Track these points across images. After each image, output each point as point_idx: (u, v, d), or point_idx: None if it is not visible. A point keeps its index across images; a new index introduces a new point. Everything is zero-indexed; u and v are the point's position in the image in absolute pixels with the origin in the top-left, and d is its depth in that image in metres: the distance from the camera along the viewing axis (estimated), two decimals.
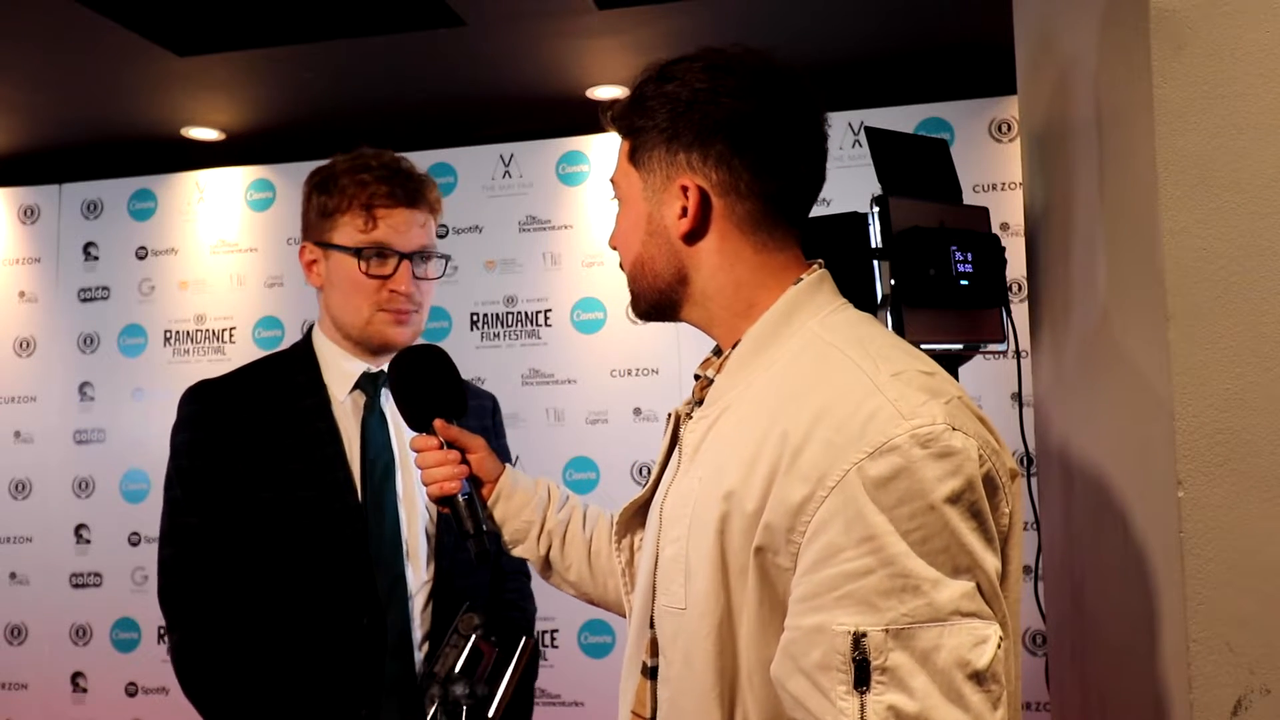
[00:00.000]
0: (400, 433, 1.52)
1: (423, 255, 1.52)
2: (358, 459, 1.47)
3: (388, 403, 1.52)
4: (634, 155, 1.03)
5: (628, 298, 1.10)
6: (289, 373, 1.52)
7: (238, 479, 1.41)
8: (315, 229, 1.51)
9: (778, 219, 1.00)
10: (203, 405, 1.47)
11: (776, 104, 0.98)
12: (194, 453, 1.44)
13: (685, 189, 0.98)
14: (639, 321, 3.23)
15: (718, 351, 1.07)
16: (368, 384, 1.52)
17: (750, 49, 1.00)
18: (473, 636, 1.38)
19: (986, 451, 0.85)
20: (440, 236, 3.55)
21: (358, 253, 1.47)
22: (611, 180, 1.08)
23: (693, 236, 1.00)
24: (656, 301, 1.05)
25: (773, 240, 1.01)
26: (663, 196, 1.00)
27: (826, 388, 0.88)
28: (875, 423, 0.83)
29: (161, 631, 3.57)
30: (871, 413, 0.83)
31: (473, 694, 1.35)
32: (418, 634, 1.46)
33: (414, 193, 1.51)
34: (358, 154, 1.53)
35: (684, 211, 0.99)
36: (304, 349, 1.56)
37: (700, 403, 1.03)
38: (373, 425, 1.50)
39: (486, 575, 1.58)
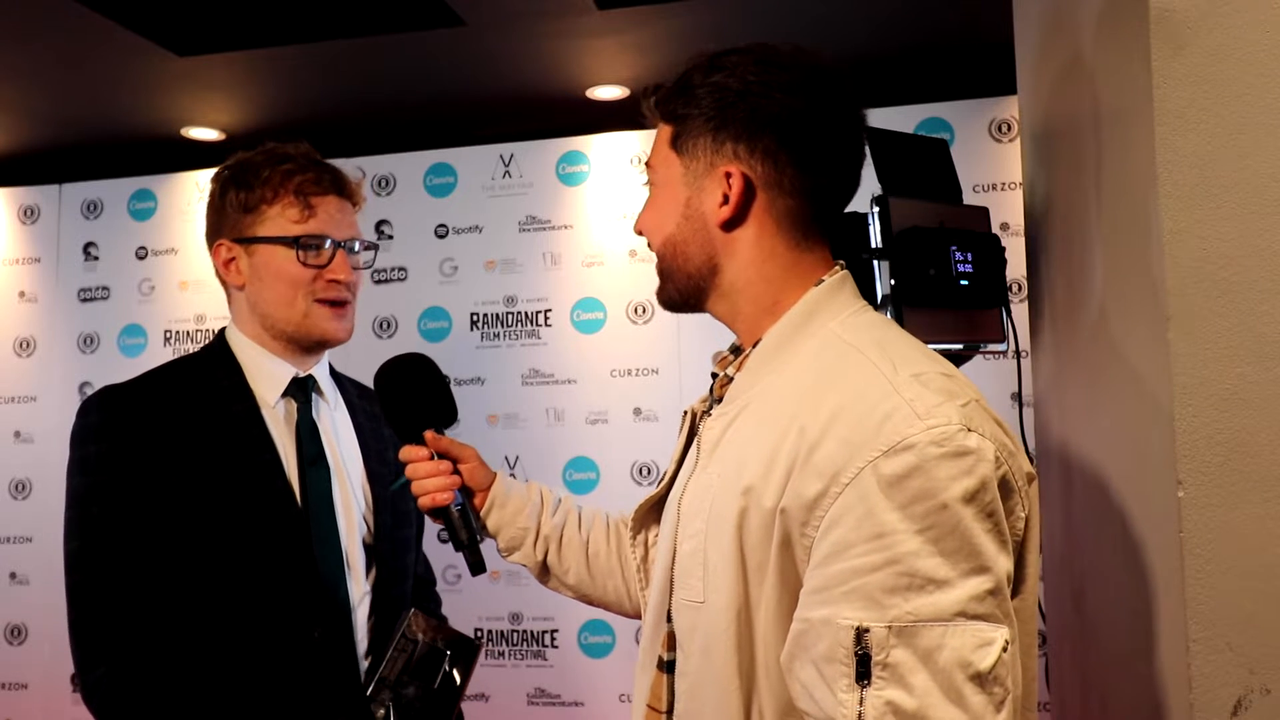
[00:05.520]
0: (333, 440, 1.47)
1: (355, 244, 1.47)
2: (294, 467, 1.40)
3: (319, 409, 1.48)
4: (676, 141, 1.03)
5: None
6: (209, 377, 1.42)
7: (162, 492, 1.30)
8: (234, 225, 1.45)
9: (814, 218, 1.01)
10: (114, 414, 1.35)
11: (825, 103, 0.98)
12: (108, 466, 1.31)
13: (729, 175, 0.98)
14: (639, 321, 3.27)
15: (734, 350, 1.08)
16: (297, 390, 1.45)
17: (800, 46, 1.00)
18: (420, 640, 1.36)
19: (1003, 454, 0.85)
20: (440, 237, 3.57)
21: (295, 242, 1.40)
22: (647, 164, 1.09)
23: (731, 224, 1.00)
24: (684, 286, 1.05)
25: (806, 239, 1.01)
26: (704, 183, 1.01)
27: (844, 387, 0.89)
28: (891, 422, 0.83)
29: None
30: (888, 412, 0.84)
31: (426, 696, 1.34)
32: (362, 645, 1.40)
33: (340, 181, 1.47)
34: (269, 146, 1.47)
35: (725, 199, 0.99)
36: (220, 351, 1.46)
37: (719, 400, 1.04)
38: (306, 433, 1.43)
39: (410, 583, 1.54)
